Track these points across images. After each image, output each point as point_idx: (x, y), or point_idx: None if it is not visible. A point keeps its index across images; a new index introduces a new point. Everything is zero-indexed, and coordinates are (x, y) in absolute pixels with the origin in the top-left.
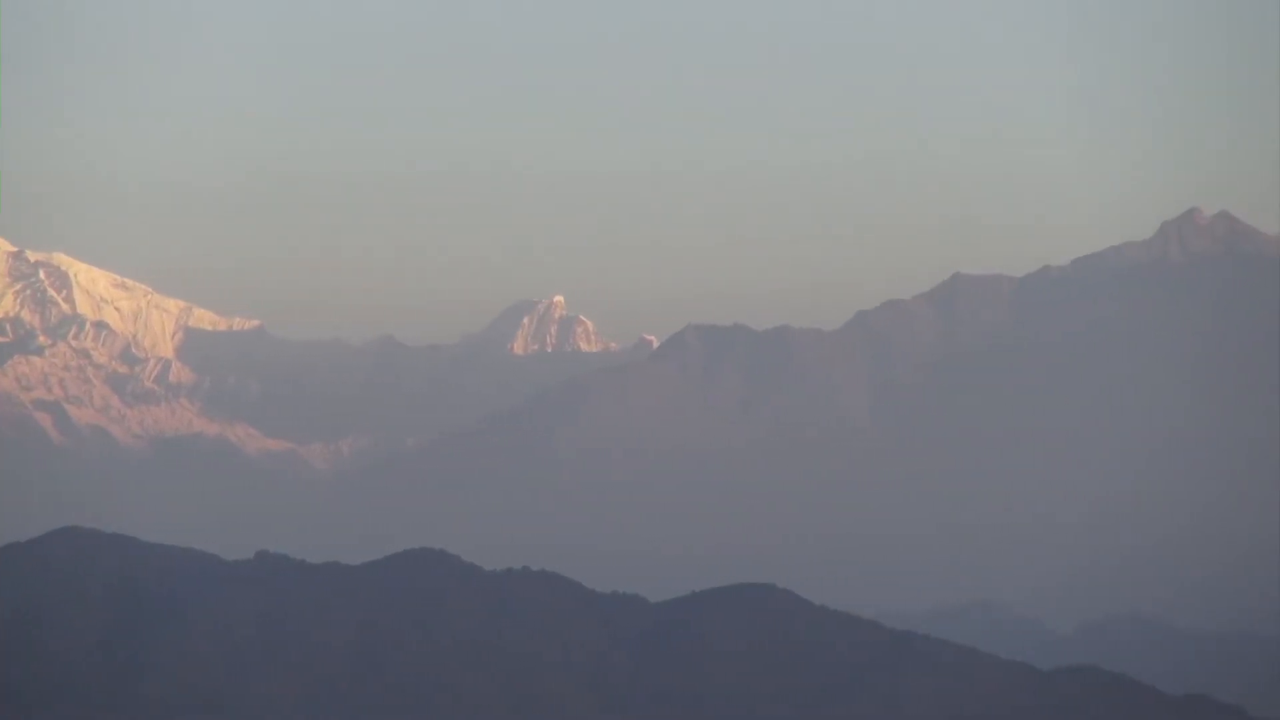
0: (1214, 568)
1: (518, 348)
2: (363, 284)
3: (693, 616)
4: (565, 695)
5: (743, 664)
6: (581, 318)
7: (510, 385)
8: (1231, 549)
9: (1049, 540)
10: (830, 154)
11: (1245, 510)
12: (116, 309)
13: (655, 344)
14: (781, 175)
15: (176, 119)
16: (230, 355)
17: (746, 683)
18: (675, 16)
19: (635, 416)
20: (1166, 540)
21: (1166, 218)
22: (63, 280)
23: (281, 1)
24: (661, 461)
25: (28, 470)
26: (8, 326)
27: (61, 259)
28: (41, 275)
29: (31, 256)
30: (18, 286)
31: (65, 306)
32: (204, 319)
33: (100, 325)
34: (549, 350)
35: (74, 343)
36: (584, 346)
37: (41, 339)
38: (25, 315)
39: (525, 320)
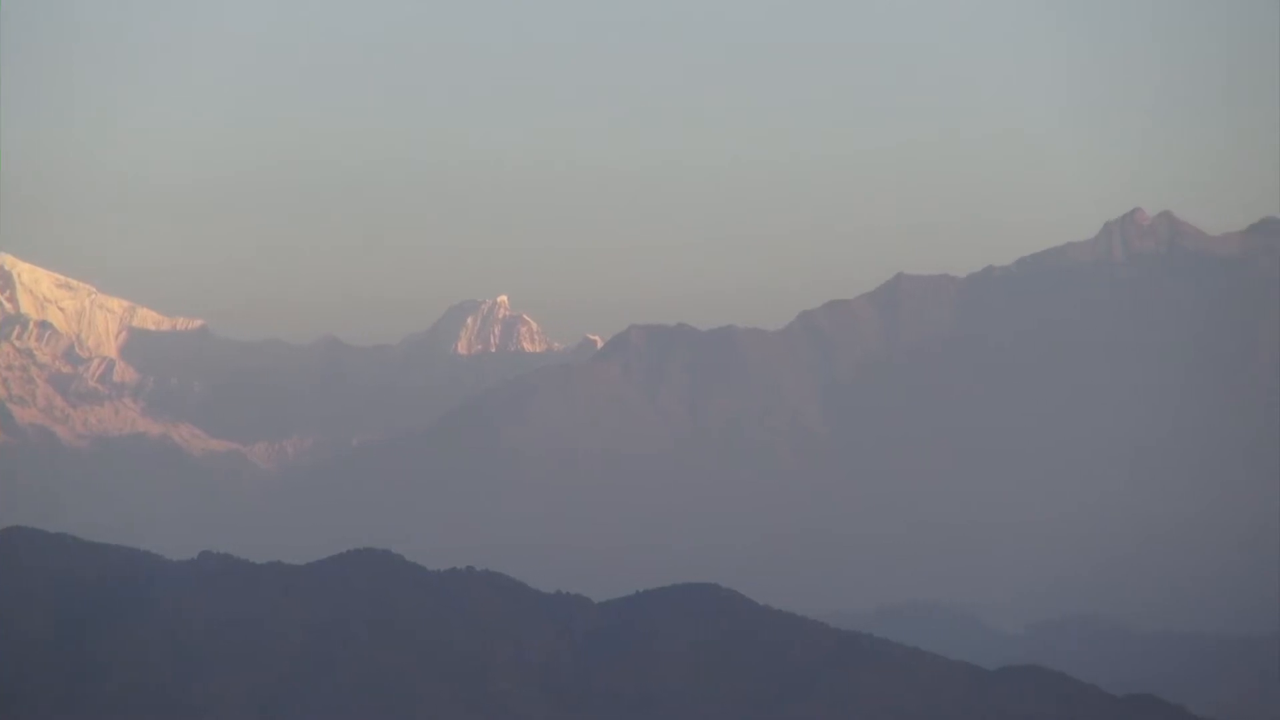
0: (1160, 568)
1: (462, 348)
2: (307, 284)
3: (638, 616)
4: (512, 695)
5: (688, 664)
6: (525, 317)
7: (454, 385)
8: (1177, 549)
9: (996, 540)
10: (774, 154)
11: (1191, 510)
12: (60, 309)
13: (599, 344)
14: (725, 175)
15: (118, 120)
16: (174, 355)
17: (692, 683)
18: (616, 17)
19: (579, 416)
20: (1114, 541)
21: (1109, 218)
22: (6, 280)
23: (220, 2)
24: (605, 461)
25: None
26: None
27: (5, 259)
28: None
29: None
30: None
31: (9, 306)
32: (148, 319)
33: (44, 325)
34: (493, 350)
35: (17, 342)
36: (528, 346)
37: None
38: None
39: (469, 320)
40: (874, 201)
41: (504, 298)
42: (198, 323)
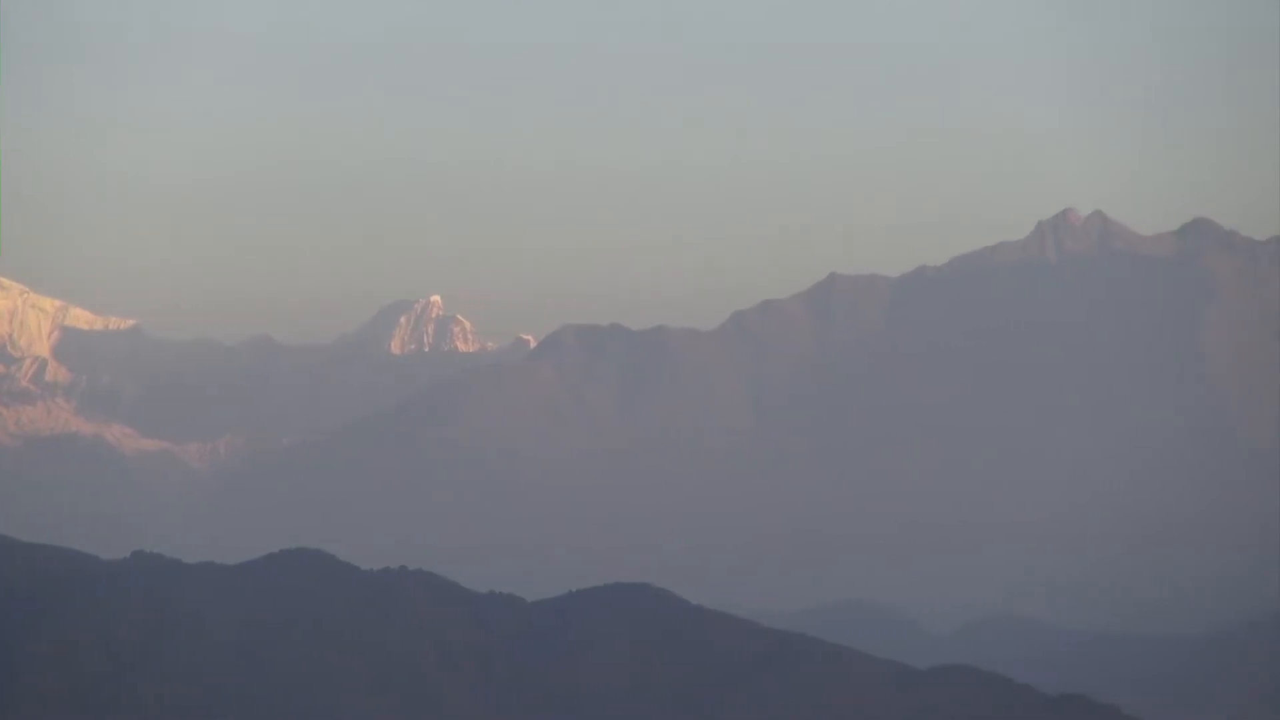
0: (1089, 569)
1: (395, 347)
2: (239, 283)
3: (570, 616)
4: (444, 694)
5: (620, 663)
6: (459, 317)
7: (387, 385)
8: (1107, 549)
9: (927, 540)
10: (706, 155)
11: (1122, 509)
12: None
13: (532, 344)
14: (658, 176)
15: (49, 119)
16: (107, 354)
17: (624, 681)
18: (545, 18)
19: (512, 416)
20: (1044, 541)
21: (1042, 218)
22: None
23: (149, 4)
24: (538, 460)
25: None
26: None
27: None
28: None
29: None
30: None
31: None
32: (80, 318)
33: None
34: (426, 350)
35: None
36: (461, 346)
37: None
38: None
39: (402, 319)
40: (807, 202)
41: (437, 297)
42: (130, 322)
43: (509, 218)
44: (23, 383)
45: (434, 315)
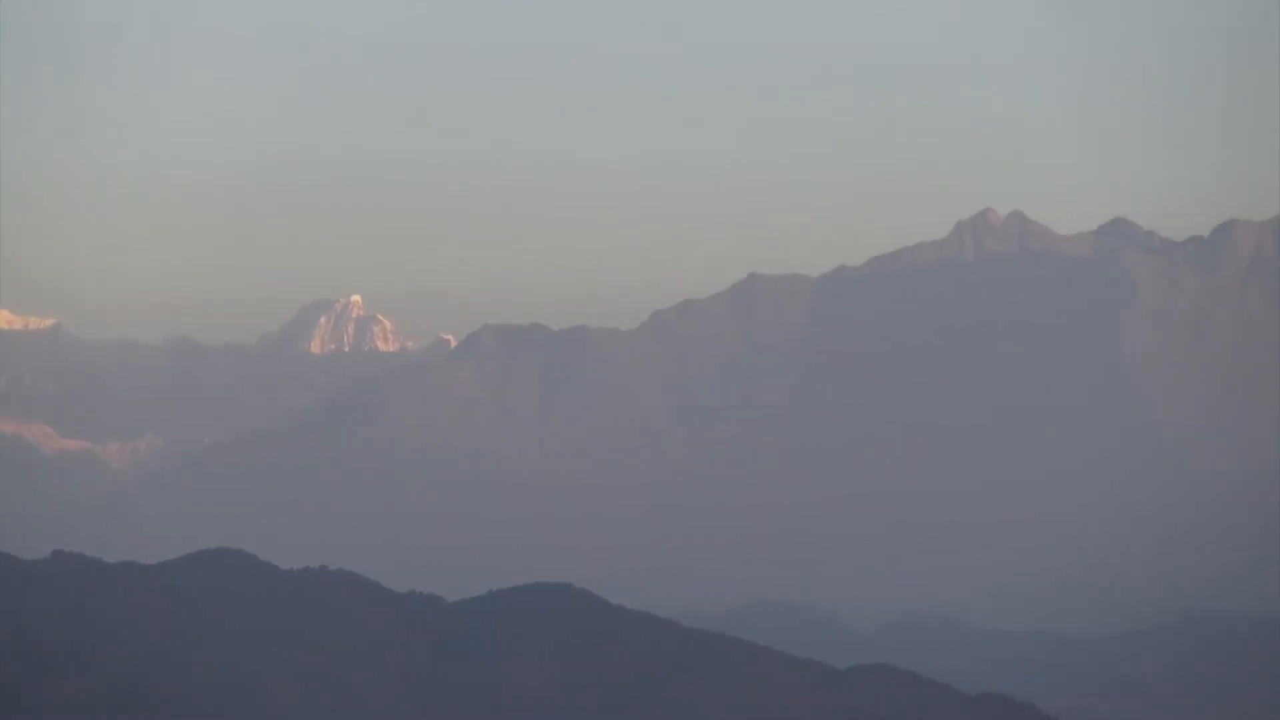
0: (1014, 568)
1: (315, 347)
2: (159, 283)
3: (491, 615)
4: (366, 694)
5: (541, 663)
6: (379, 317)
7: (308, 384)
8: (1029, 548)
9: (849, 539)
10: (625, 155)
11: (1047, 509)
12: None
13: (453, 343)
14: (579, 175)
15: None
16: (26, 354)
17: (545, 681)
18: (482, 17)
19: (433, 416)
20: (966, 541)
21: (961, 217)
22: None
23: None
24: (459, 461)
25: None
26: None
27: None
28: None
29: None
30: None
31: None
32: (0, 318)
33: None
34: (346, 349)
35: None
36: (382, 346)
37: None
38: None
39: (323, 319)
40: (727, 201)
41: (358, 297)
42: (50, 322)
43: (430, 216)
44: None
45: (354, 315)
